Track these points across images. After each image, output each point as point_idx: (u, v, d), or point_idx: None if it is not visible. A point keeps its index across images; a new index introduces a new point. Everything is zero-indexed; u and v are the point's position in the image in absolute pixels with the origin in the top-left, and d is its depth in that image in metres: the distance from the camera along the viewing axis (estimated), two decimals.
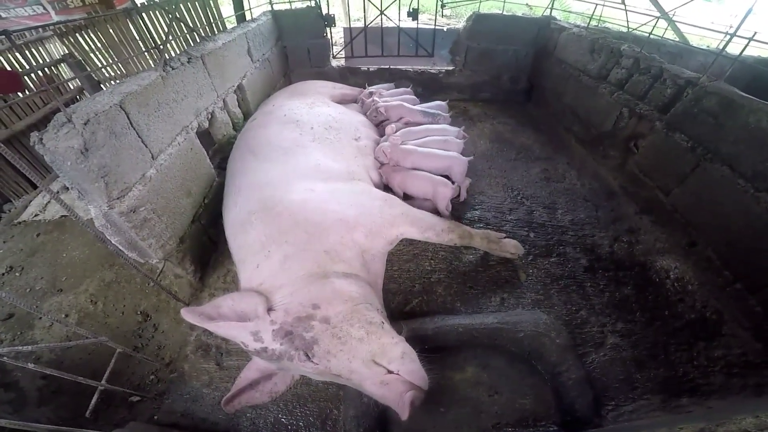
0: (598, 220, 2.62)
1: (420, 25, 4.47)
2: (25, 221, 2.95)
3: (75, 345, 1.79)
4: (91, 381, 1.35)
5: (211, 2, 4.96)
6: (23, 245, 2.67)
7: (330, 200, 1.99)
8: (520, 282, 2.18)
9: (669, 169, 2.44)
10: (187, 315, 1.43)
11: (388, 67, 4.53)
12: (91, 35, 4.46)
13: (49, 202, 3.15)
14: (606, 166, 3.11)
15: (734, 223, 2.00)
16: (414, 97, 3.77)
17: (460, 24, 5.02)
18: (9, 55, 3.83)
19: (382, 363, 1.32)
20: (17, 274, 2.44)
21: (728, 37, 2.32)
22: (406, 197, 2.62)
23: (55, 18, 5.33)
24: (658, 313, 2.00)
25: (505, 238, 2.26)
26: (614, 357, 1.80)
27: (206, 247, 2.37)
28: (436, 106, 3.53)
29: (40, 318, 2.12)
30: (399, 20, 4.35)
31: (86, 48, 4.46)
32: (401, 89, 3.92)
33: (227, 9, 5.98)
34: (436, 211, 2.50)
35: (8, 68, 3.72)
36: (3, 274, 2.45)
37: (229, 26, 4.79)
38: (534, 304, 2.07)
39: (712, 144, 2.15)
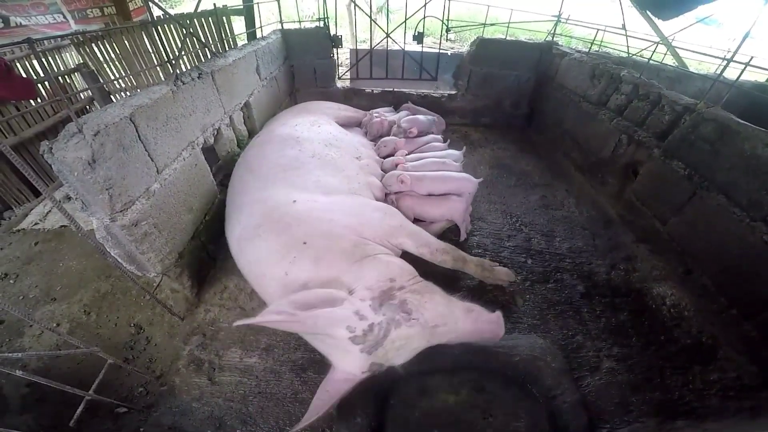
0: (596, 248, 2.64)
1: (425, 49, 4.59)
2: (24, 229, 2.96)
3: (65, 354, 1.79)
4: (78, 390, 1.33)
5: (224, 19, 5.11)
6: (20, 253, 2.68)
7: (334, 210, 2.04)
8: (517, 307, 2.18)
9: (666, 198, 2.47)
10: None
11: (392, 89, 4.60)
12: (107, 46, 4.57)
13: (49, 211, 3.17)
14: (604, 194, 3.14)
15: (729, 252, 2.01)
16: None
17: (464, 48, 5.16)
18: (26, 62, 3.91)
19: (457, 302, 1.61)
20: (11, 281, 2.44)
21: (725, 62, 2.35)
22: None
23: (74, 27, 5.48)
24: (653, 338, 2.01)
25: (498, 266, 2.27)
26: (610, 381, 1.80)
27: (205, 263, 2.36)
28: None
29: (31, 326, 2.11)
30: (404, 43, 4.47)
31: (100, 58, 4.56)
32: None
33: (239, 25, 6.17)
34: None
35: (23, 75, 3.79)
36: None
37: (240, 43, 4.93)
38: (530, 328, 2.06)
39: (709, 172, 2.18)
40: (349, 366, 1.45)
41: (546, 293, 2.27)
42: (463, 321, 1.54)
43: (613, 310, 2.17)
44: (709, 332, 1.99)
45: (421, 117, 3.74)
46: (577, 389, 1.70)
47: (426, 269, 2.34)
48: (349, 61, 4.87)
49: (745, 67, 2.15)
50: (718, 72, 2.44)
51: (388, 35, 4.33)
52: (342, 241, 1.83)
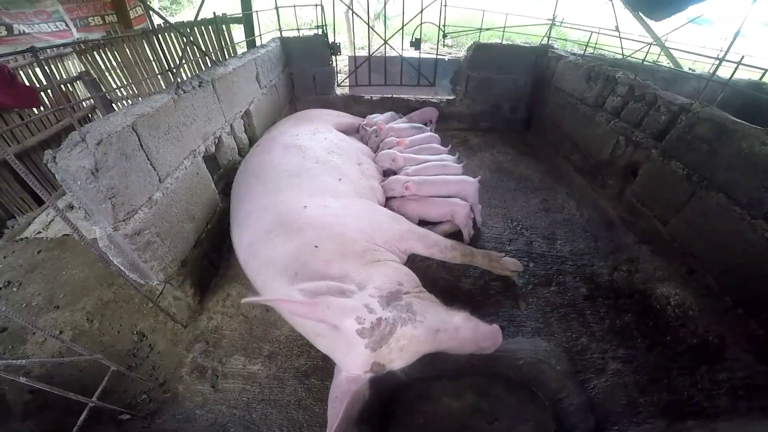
0: (597, 250, 2.64)
1: (422, 55, 4.63)
2: (27, 238, 2.98)
3: (68, 361, 1.78)
4: (82, 397, 1.33)
5: (223, 27, 5.15)
6: (23, 261, 2.69)
7: (345, 214, 2.08)
8: (519, 311, 2.18)
9: (666, 198, 2.47)
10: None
11: (390, 95, 4.64)
12: (108, 54, 4.60)
13: (52, 220, 3.18)
14: (604, 196, 3.14)
15: (732, 251, 2.01)
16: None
17: (461, 53, 5.20)
18: (29, 70, 3.94)
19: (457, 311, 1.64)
20: (14, 289, 2.45)
21: (718, 61, 2.36)
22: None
23: (76, 35, 5.52)
24: (659, 338, 2.00)
25: (504, 256, 2.34)
26: (616, 382, 1.79)
27: (207, 271, 2.36)
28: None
29: (34, 333, 2.12)
30: (402, 50, 4.51)
31: (102, 67, 4.59)
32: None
33: (238, 33, 6.22)
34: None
35: (27, 83, 3.81)
36: (0, 288, 2.45)
37: (239, 51, 4.97)
38: (534, 332, 2.06)
39: (708, 171, 2.18)
40: (352, 363, 1.43)
41: (549, 296, 2.27)
42: (463, 328, 1.56)
43: (616, 311, 2.16)
44: (716, 332, 1.98)
45: (396, 124, 3.83)
46: (583, 391, 1.70)
47: (424, 276, 2.37)
48: (347, 68, 4.90)
49: (737, 66, 2.17)
50: (711, 72, 2.45)
51: (385, 42, 4.37)
52: (353, 245, 1.87)
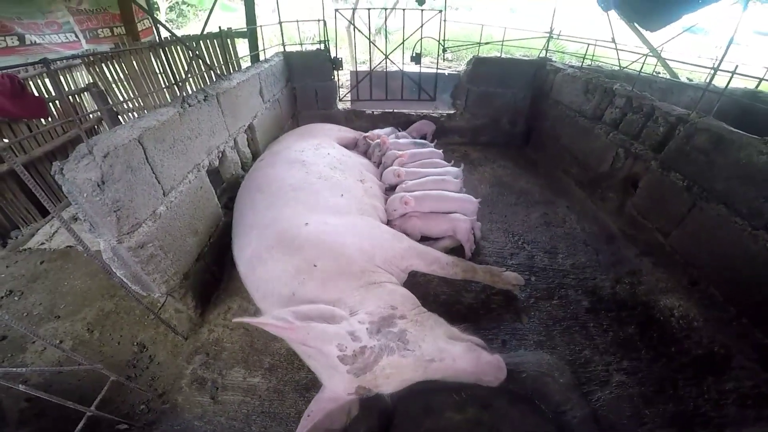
0: (599, 264, 2.63)
1: (423, 69, 4.70)
2: (30, 248, 3.00)
3: (68, 370, 1.78)
4: (80, 406, 1.32)
5: (228, 41, 5.25)
6: (25, 271, 2.70)
7: (345, 233, 2.06)
8: (522, 324, 2.17)
9: (666, 210, 2.48)
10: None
11: (391, 110, 4.68)
12: (116, 66, 4.68)
13: (56, 231, 3.20)
14: (605, 209, 3.15)
15: (734, 261, 2.01)
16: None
17: (461, 67, 5.28)
18: (38, 81, 3.99)
19: (457, 339, 1.57)
20: (16, 298, 2.46)
21: (713, 71, 2.39)
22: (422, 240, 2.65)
23: (85, 46, 5.63)
24: (663, 350, 1.98)
25: (506, 271, 2.33)
26: (621, 394, 1.78)
27: (209, 284, 2.36)
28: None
29: (34, 342, 2.12)
30: (403, 64, 4.58)
31: (110, 78, 4.66)
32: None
33: (243, 47, 6.33)
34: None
35: (36, 94, 3.87)
36: (1, 297, 2.47)
37: (243, 65, 5.06)
38: (537, 345, 2.04)
39: (707, 182, 2.19)
40: (335, 385, 1.46)
41: (551, 309, 2.26)
42: (461, 359, 1.49)
43: (620, 323, 2.15)
44: (721, 342, 1.97)
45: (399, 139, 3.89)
46: (587, 404, 1.68)
47: (426, 291, 2.37)
48: (349, 82, 4.98)
49: (732, 76, 2.20)
50: (707, 81, 2.48)
51: (386, 57, 4.44)
52: (352, 265, 1.85)
